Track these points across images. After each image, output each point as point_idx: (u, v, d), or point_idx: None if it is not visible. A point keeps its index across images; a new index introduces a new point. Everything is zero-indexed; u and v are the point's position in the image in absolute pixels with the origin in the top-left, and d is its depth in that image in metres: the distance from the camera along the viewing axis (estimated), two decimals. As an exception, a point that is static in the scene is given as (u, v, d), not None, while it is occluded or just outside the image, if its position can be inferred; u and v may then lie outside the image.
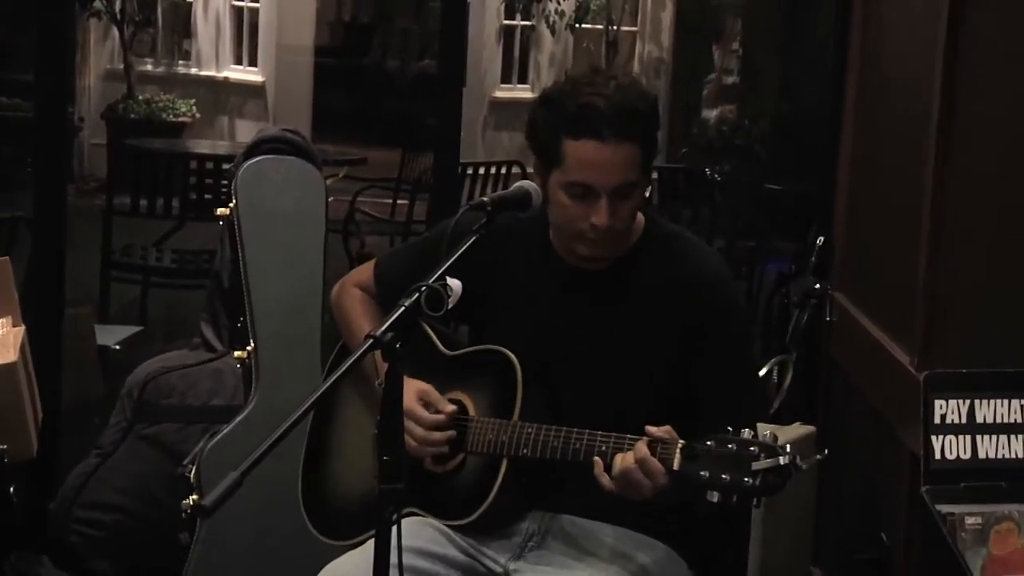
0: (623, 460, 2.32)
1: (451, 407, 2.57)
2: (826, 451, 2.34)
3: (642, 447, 2.30)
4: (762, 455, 2.18)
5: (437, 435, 2.56)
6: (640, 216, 2.60)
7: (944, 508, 2.48)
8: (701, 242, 2.70)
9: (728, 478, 2.19)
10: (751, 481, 2.18)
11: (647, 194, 2.56)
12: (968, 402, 2.57)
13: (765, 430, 2.25)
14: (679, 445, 2.27)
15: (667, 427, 2.32)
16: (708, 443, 2.23)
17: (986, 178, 2.71)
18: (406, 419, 2.50)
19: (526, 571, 2.54)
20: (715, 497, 2.21)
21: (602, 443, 2.38)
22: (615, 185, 2.45)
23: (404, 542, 2.13)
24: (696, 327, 2.52)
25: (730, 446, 2.21)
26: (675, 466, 2.26)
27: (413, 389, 2.57)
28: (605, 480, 2.35)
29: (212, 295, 4.02)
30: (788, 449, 2.19)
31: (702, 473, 2.22)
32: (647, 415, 2.36)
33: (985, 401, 2.57)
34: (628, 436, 2.35)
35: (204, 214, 6.56)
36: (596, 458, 2.35)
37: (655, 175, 7.22)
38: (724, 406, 2.41)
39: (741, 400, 2.51)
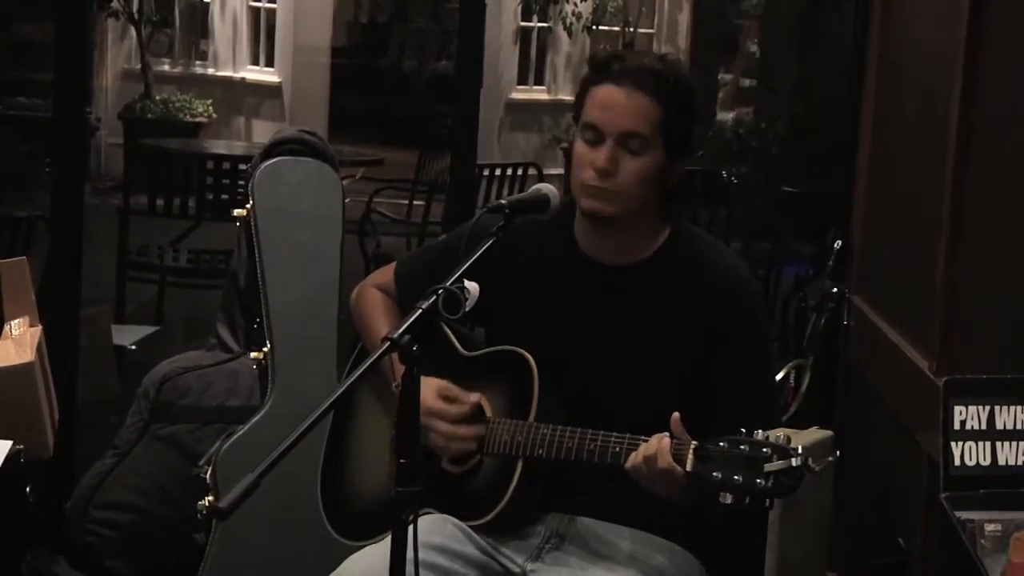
0: (646, 450, 2.32)
1: (474, 396, 2.57)
2: (838, 452, 2.33)
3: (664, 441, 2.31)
4: (775, 456, 2.17)
5: (463, 430, 2.56)
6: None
7: (963, 515, 2.46)
8: (725, 247, 2.72)
9: (741, 479, 2.19)
10: (763, 483, 2.17)
11: (662, 167, 2.51)
12: (988, 408, 2.55)
13: (779, 433, 2.24)
14: (692, 446, 2.27)
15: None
16: (721, 444, 2.23)
17: (1006, 181, 2.70)
18: (430, 417, 2.52)
19: (543, 572, 2.54)
20: (728, 499, 2.20)
21: (616, 444, 2.38)
22: (620, 129, 2.46)
23: (424, 538, 2.12)
24: (716, 331, 2.52)
25: (742, 447, 2.21)
26: (688, 467, 2.26)
27: (432, 387, 2.57)
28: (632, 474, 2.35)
29: (228, 295, 4.02)
30: (800, 451, 2.18)
31: (715, 474, 2.21)
32: (662, 417, 2.35)
33: (1005, 407, 2.55)
34: (642, 437, 2.35)
35: (220, 214, 6.55)
36: (635, 452, 2.34)
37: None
38: (739, 411, 2.40)
39: (756, 406, 2.50)
